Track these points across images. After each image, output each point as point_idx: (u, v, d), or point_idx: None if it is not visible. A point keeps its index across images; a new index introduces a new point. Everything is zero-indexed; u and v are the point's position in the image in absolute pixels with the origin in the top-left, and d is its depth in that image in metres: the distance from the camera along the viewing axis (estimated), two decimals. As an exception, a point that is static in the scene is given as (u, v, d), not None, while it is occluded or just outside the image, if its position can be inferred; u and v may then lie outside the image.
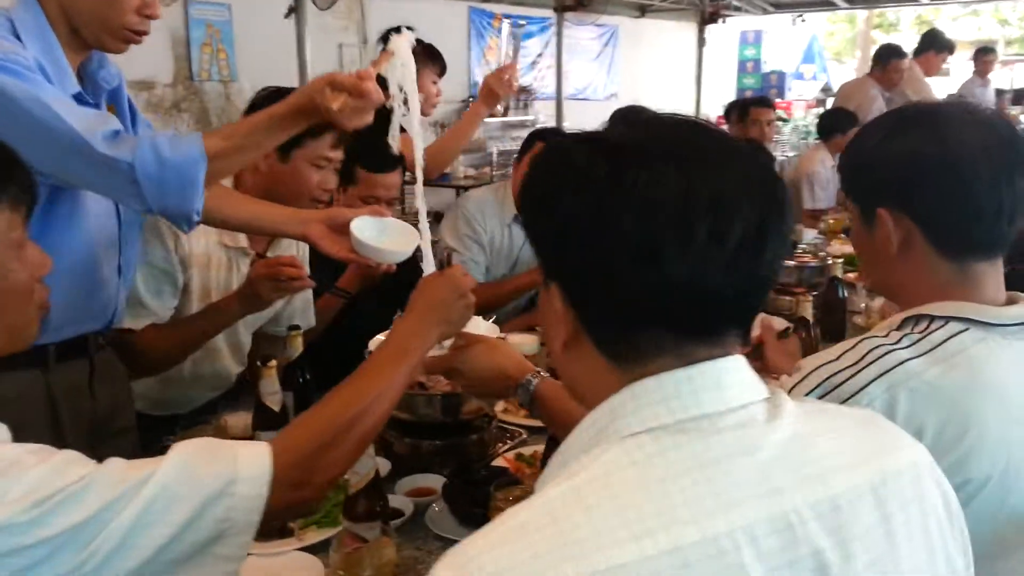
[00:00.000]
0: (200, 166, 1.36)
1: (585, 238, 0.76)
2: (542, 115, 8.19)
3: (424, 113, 3.37)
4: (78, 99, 1.45)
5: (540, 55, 8.44)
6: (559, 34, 7.59)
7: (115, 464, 0.91)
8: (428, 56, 3.09)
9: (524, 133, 8.03)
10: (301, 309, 2.24)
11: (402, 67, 1.43)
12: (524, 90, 8.08)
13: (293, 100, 1.41)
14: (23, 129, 1.29)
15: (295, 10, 5.25)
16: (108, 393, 1.69)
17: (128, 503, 0.87)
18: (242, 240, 2.01)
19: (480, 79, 7.59)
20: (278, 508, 0.97)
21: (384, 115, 1.44)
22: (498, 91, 2.65)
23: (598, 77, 9.53)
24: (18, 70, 1.32)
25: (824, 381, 1.09)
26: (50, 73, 1.41)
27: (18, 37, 1.40)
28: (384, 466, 1.62)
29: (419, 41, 3.08)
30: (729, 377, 0.77)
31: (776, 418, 0.76)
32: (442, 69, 3.22)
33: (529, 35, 8.20)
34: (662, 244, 0.73)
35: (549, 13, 7.96)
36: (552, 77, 7.82)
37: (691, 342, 0.77)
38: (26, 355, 1.48)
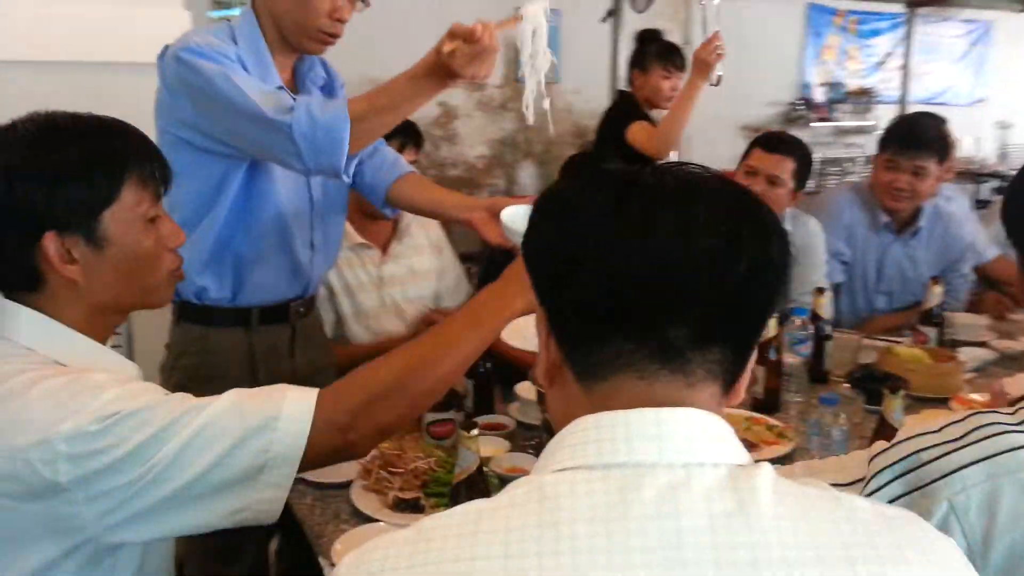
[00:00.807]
0: (345, 126, 1.49)
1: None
2: (884, 120, 7.46)
3: (657, 106, 3.30)
4: (279, 91, 1.66)
5: (889, 55, 7.67)
6: (909, 32, 6.87)
7: (180, 396, 1.05)
8: (660, 53, 3.25)
9: (862, 140, 7.46)
10: (454, 287, 2.39)
11: (533, 33, 1.45)
12: (864, 92, 7.42)
13: (425, 58, 1.51)
14: (215, 102, 1.54)
15: (613, 13, 5.36)
16: (307, 357, 1.89)
17: (182, 428, 1.00)
18: (357, 237, 2.29)
19: (814, 79, 7.14)
20: (324, 448, 1.06)
21: None
22: (708, 59, 2.81)
23: (962, 79, 8.43)
24: (218, 58, 1.57)
25: (911, 455, 0.88)
26: (253, 69, 1.65)
27: (235, 41, 1.67)
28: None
29: (655, 38, 2.97)
30: (675, 428, 0.68)
31: (727, 489, 0.65)
32: (676, 65, 3.26)
33: (876, 32, 7.51)
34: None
35: (900, 8, 7.23)
36: (900, 78, 7.10)
37: (651, 361, 0.70)
38: (234, 314, 1.75)
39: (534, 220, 0.77)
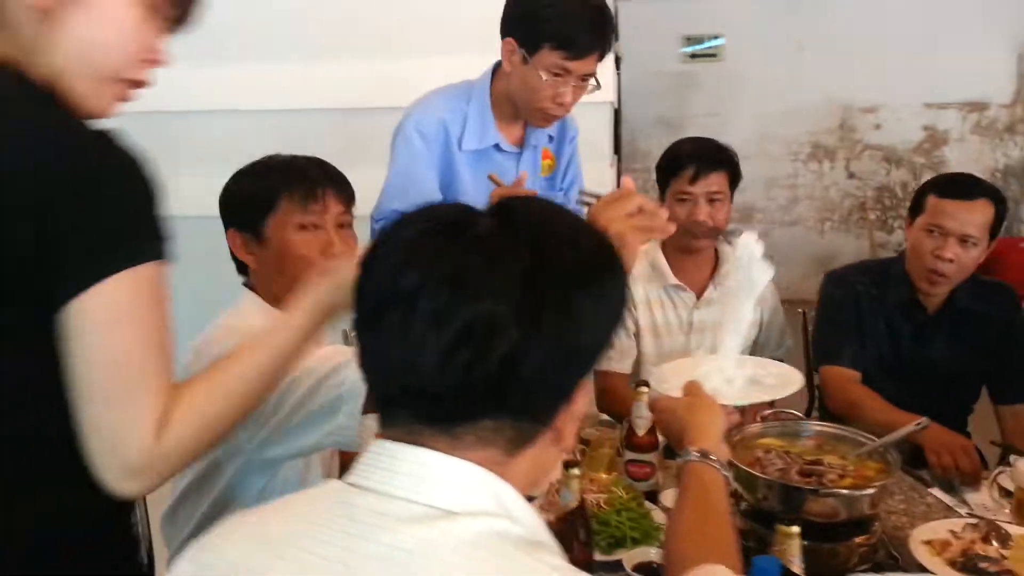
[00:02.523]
0: None
1: None
2: None
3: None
4: (496, 148, 1.95)
5: None
6: None
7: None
8: None
9: None
10: (776, 339, 2.27)
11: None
12: None
13: None
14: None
15: None
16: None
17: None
18: (672, 278, 2.19)
19: None
20: None
21: None
22: None
23: None
24: (418, 133, 1.90)
25: None
26: (474, 127, 1.93)
27: (468, 101, 1.93)
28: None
29: None
30: (403, 467, 0.71)
31: (416, 524, 0.67)
32: None
33: None
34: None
35: None
36: None
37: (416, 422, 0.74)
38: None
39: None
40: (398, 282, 0.69)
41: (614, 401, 2.07)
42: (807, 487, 1.37)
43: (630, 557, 1.45)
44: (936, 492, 1.69)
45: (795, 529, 1.20)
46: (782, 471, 1.41)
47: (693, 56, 6.15)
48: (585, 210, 1.51)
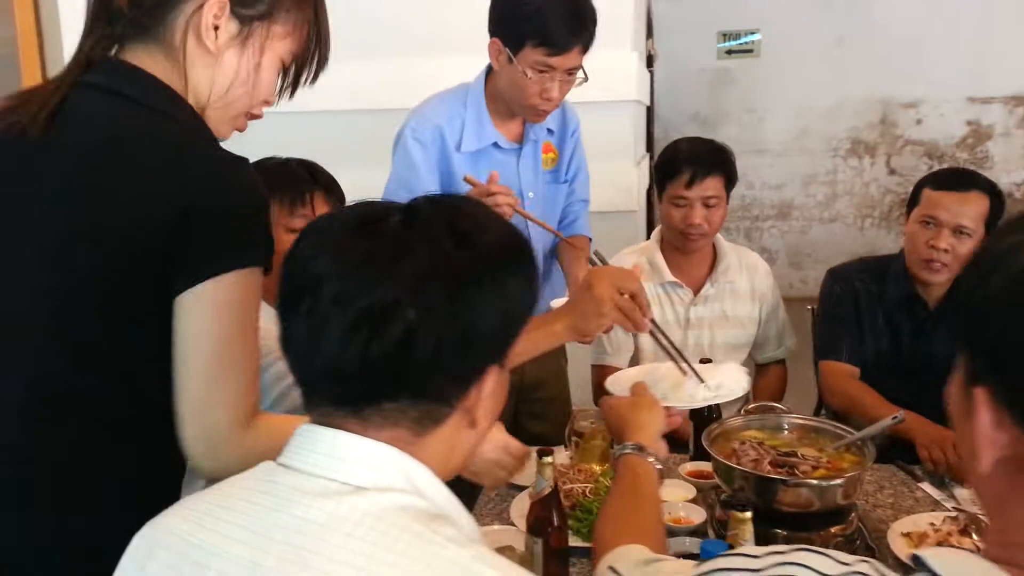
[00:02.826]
0: None
1: None
2: None
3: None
4: (494, 146, 1.99)
5: None
6: None
7: None
8: None
9: None
10: (775, 337, 2.29)
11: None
12: None
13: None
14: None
15: None
16: (535, 369, 2.01)
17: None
18: (668, 274, 2.23)
19: None
20: None
21: None
22: None
23: None
24: (416, 141, 1.96)
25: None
26: (471, 128, 1.97)
27: (465, 104, 1.98)
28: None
29: None
30: (321, 447, 0.78)
31: (328, 499, 0.74)
32: None
33: None
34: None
35: None
36: None
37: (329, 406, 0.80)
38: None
39: None
40: (310, 269, 0.76)
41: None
42: (778, 477, 1.40)
43: (609, 544, 1.50)
44: (926, 486, 1.71)
45: (747, 515, 1.23)
46: (755, 462, 1.44)
47: (729, 52, 6.11)
48: (590, 267, 1.63)
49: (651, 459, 1.20)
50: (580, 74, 1.89)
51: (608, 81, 3.50)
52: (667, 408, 1.35)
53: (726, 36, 6.09)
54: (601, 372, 2.15)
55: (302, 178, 1.58)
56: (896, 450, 1.85)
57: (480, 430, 0.83)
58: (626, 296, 1.43)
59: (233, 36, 1.08)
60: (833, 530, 1.44)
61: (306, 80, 1.18)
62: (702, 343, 2.22)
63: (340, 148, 2.37)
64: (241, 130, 1.18)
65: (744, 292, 2.28)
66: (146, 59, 1.07)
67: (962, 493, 1.67)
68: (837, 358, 2.07)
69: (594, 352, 2.24)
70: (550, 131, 2.08)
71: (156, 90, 1.06)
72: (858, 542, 1.47)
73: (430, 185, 1.94)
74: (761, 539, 1.32)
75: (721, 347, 2.21)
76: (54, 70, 3.63)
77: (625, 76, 3.53)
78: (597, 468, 1.78)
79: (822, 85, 5.99)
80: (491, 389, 0.81)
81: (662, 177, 2.13)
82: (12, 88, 1.14)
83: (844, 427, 1.54)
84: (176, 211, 0.99)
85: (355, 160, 2.36)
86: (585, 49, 1.87)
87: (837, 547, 1.42)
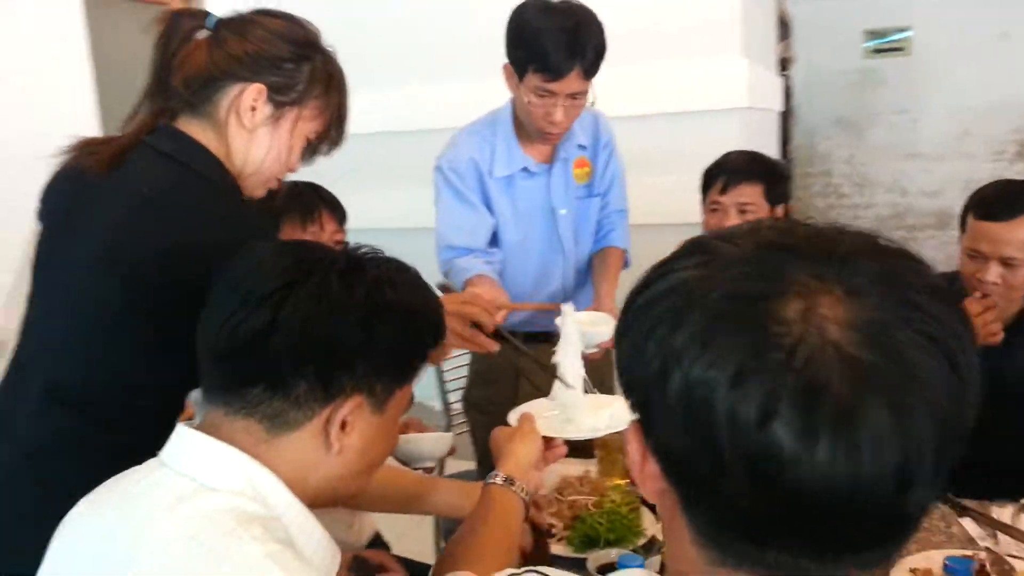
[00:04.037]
0: None
1: None
2: None
3: None
4: (524, 171, 2.09)
5: None
6: None
7: None
8: None
9: None
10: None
11: None
12: None
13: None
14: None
15: None
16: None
17: None
18: None
19: None
20: None
21: None
22: None
23: None
24: (454, 182, 2.07)
25: None
26: (502, 153, 2.07)
27: (495, 130, 2.08)
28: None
29: None
30: (185, 447, 0.88)
31: (176, 495, 0.82)
32: None
33: None
34: None
35: None
36: None
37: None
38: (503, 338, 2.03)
39: None
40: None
41: None
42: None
43: (596, 557, 1.49)
44: (967, 523, 1.57)
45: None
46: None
47: (876, 51, 5.75)
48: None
49: (516, 490, 1.21)
50: (591, 97, 1.92)
51: (711, 89, 3.43)
52: (551, 440, 1.37)
53: (873, 35, 5.74)
54: None
55: (309, 198, 1.74)
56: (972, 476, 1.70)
57: (346, 462, 0.89)
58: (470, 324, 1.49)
59: (267, 117, 1.25)
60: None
61: (325, 152, 1.36)
62: None
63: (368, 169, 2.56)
64: (273, 190, 1.38)
65: None
66: (196, 129, 1.25)
67: (975, 528, 1.52)
68: None
69: None
70: (582, 147, 2.12)
71: (200, 155, 1.24)
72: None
73: (478, 204, 2.04)
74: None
75: None
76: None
77: (732, 83, 3.45)
78: (616, 481, 1.77)
79: (983, 83, 5.50)
80: (356, 421, 0.87)
81: (703, 187, 2.10)
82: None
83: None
84: (202, 268, 1.12)
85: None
86: (587, 74, 1.88)
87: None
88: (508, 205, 2.08)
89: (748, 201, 2.03)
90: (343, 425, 0.88)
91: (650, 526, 1.58)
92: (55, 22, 2.99)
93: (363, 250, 0.99)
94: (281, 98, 1.25)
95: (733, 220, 2.02)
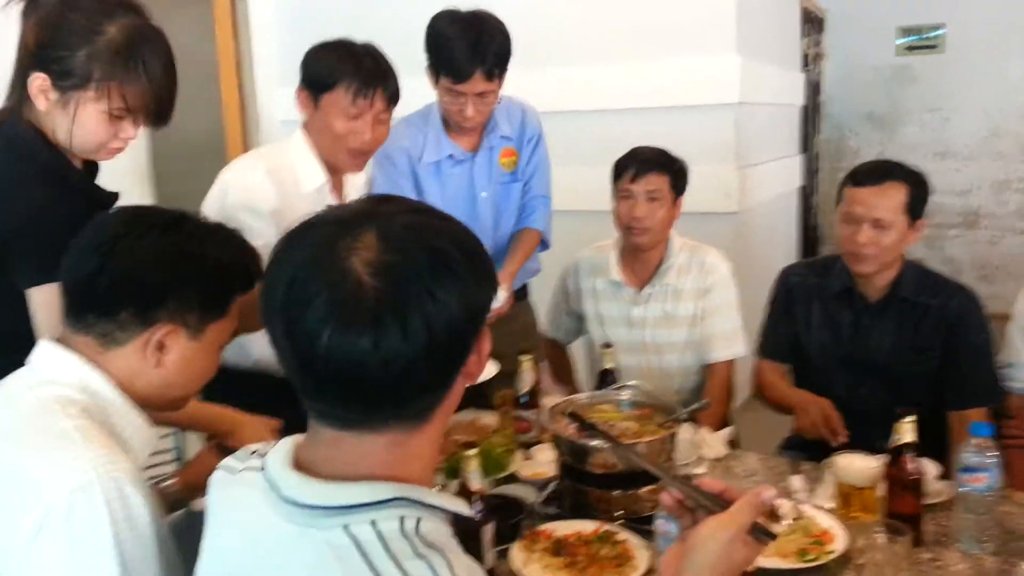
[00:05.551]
0: None
1: None
2: None
3: None
4: (450, 158, 2.26)
5: None
6: None
7: None
8: None
9: None
10: (729, 334, 2.38)
11: None
12: None
13: None
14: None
15: None
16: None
17: None
18: (614, 273, 2.41)
19: None
20: None
21: None
22: None
23: None
24: (384, 168, 2.24)
25: None
26: (432, 142, 2.25)
27: (427, 120, 2.25)
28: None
29: None
30: (42, 354, 1.15)
31: (26, 384, 1.12)
32: None
33: None
34: None
35: None
36: None
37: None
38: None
39: None
40: None
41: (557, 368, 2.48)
42: (581, 441, 1.60)
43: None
44: (796, 479, 1.77)
45: (471, 451, 1.46)
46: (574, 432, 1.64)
47: (910, 48, 5.77)
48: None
49: None
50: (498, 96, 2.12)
51: (701, 86, 3.60)
52: None
53: (907, 31, 5.75)
54: (550, 347, 2.52)
55: (369, 71, 1.76)
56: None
57: (166, 373, 1.15)
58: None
59: (57, 100, 1.40)
60: (647, 489, 1.60)
61: (152, 124, 1.45)
62: (646, 342, 2.33)
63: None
64: (110, 158, 1.49)
65: (689, 292, 2.31)
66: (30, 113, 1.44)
67: (799, 483, 1.74)
68: (761, 354, 2.19)
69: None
70: (506, 138, 2.30)
71: (29, 139, 1.42)
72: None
73: (409, 191, 2.26)
74: (580, 497, 1.61)
75: (665, 346, 2.32)
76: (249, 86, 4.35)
77: (723, 80, 3.61)
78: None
79: (1017, 82, 5.49)
80: (173, 344, 1.14)
81: (614, 176, 2.28)
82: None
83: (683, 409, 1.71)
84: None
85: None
86: (490, 76, 2.04)
87: (655, 504, 1.56)
88: (437, 190, 2.26)
89: (655, 188, 2.18)
90: (160, 346, 1.12)
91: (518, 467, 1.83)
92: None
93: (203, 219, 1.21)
94: (64, 83, 1.37)
95: (642, 206, 2.19)
